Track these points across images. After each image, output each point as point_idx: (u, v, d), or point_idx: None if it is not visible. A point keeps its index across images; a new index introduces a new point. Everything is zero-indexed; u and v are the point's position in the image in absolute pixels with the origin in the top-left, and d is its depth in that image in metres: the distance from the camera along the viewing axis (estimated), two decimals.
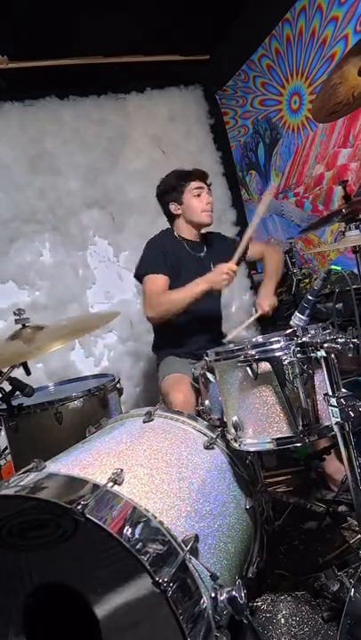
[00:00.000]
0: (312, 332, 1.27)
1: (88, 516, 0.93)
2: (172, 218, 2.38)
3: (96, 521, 0.93)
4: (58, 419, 1.80)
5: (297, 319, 1.33)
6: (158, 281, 2.16)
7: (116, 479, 1.09)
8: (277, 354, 1.27)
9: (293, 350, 1.25)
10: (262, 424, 1.31)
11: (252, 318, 2.16)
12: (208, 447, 1.41)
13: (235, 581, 1.07)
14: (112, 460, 1.22)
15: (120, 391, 2.09)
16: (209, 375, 1.58)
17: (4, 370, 1.60)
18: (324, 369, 1.20)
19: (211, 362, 1.47)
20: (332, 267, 1.35)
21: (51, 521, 0.98)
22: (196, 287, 2.03)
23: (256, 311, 2.19)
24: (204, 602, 0.99)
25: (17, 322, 1.63)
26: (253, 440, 1.34)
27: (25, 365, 1.63)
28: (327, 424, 1.28)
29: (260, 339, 1.58)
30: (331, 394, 1.19)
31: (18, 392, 1.62)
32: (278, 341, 1.29)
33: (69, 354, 3.13)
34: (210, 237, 2.44)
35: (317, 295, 1.34)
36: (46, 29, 2.73)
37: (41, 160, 3.13)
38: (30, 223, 3.11)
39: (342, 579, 1.28)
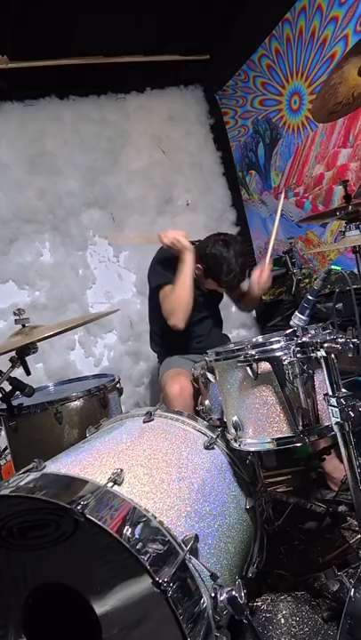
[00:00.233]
0: (312, 331, 1.27)
1: (88, 516, 0.93)
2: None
3: (96, 521, 0.93)
4: (58, 419, 1.80)
5: (297, 319, 1.33)
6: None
7: (116, 479, 1.09)
8: (277, 354, 1.27)
9: (293, 350, 1.25)
10: (262, 424, 1.31)
11: None
12: (208, 447, 1.41)
13: (235, 581, 1.07)
14: (112, 460, 1.22)
15: (120, 391, 2.09)
16: (209, 375, 1.58)
17: (4, 370, 1.60)
18: (324, 369, 1.20)
19: (211, 362, 1.47)
20: (333, 267, 1.35)
21: (51, 521, 0.98)
22: (182, 265, 2.11)
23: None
24: (204, 602, 0.99)
25: (17, 322, 1.64)
26: (253, 440, 1.34)
27: (25, 365, 1.63)
28: (327, 424, 1.28)
29: (260, 339, 1.58)
30: (331, 394, 1.19)
31: (18, 392, 1.62)
32: (278, 341, 1.29)
33: (69, 354, 3.13)
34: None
35: (317, 295, 1.34)
36: (46, 29, 2.73)
37: (41, 160, 3.13)
38: (30, 223, 3.11)
39: (342, 579, 1.28)
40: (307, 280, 2.82)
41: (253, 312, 3.63)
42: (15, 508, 1.01)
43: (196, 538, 1.07)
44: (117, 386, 2.07)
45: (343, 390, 1.19)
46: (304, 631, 1.32)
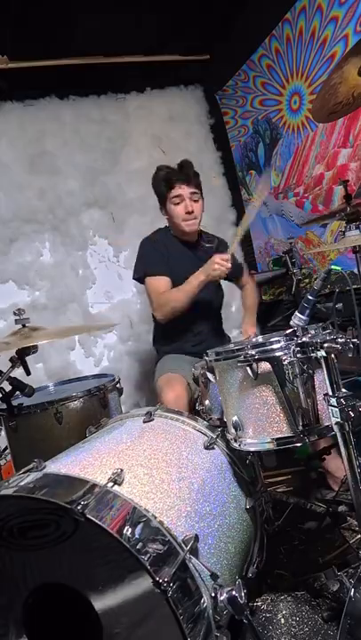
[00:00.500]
0: (312, 331, 1.27)
1: (88, 516, 0.93)
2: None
3: (96, 521, 0.93)
4: (58, 419, 1.80)
5: (297, 319, 1.33)
6: (160, 282, 2.19)
7: (116, 479, 1.09)
8: (277, 354, 1.27)
9: (293, 350, 1.24)
10: (262, 424, 1.31)
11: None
12: (208, 447, 1.41)
13: (235, 581, 1.07)
14: (112, 460, 1.22)
15: (120, 391, 2.09)
16: (209, 375, 1.58)
17: (4, 370, 1.60)
18: (325, 369, 1.20)
19: (211, 362, 1.47)
20: (333, 267, 1.35)
21: (51, 521, 0.98)
22: (194, 281, 2.07)
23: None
24: (204, 602, 0.99)
25: (17, 322, 1.64)
26: (253, 440, 1.34)
27: (25, 365, 1.63)
28: (327, 424, 1.28)
29: (260, 339, 1.58)
30: (331, 394, 1.19)
31: (18, 392, 1.62)
32: (278, 341, 1.28)
33: (69, 354, 3.13)
34: (205, 237, 2.43)
35: (317, 295, 1.34)
36: (46, 29, 2.73)
37: (41, 160, 3.13)
38: (30, 223, 3.11)
39: (342, 579, 1.28)
40: (307, 280, 2.82)
41: None
42: (15, 507, 1.01)
43: (196, 538, 1.07)
44: (117, 386, 2.06)
45: (343, 390, 1.19)
46: (304, 631, 1.32)
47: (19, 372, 1.62)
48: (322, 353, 1.18)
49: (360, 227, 1.48)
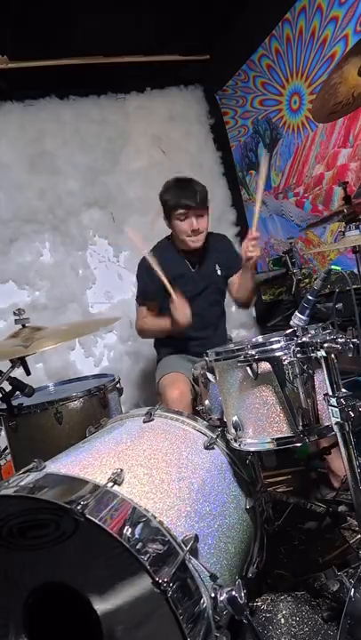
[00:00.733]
0: (312, 331, 1.27)
1: (88, 516, 0.93)
2: None
3: (96, 521, 0.93)
4: (58, 419, 1.80)
5: (297, 319, 1.33)
6: (142, 313, 2.37)
7: (116, 479, 1.09)
8: (277, 354, 1.27)
9: (293, 350, 1.24)
10: (262, 424, 1.31)
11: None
12: (208, 447, 1.41)
13: (235, 581, 1.07)
14: (112, 460, 1.22)
15: (120, 391, 2.09)
16: (209, 375, 1.58)
17: (4, 370, 1.60)
18: (324, 369, 1.20)
19: (211, 362, 1.47)
20: (333, 267, 1.35)
21: (51, 521, 0.98)
22: (165, 325, 2.21)
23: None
24: (204, 602, 0.99)
25: (17, 322, 1.64)
26: (253, 440, 1.34)
27: (25, 365, 1.62)
28: (327, 424, 1.28)
29: (260, 339, 1.58)
30: (331, 394, 1.19)
31: (18, 392, 1.62)
32: (278, 341, 1.28)
33: (69, 354, 3.13)
34: (209, 240, 2.40)
35: (317, 295, 1.34)
36: (46, 29, 2.73)
37: (41, 160, 3.13)
38: (30, 223, 3.11)
39: (342, 579, 1.28)
40: (307, 280, 2.82)
41: (253, 312, 3.63)
42: (15, 508, 1.01)
43: (196, 538, 1.07)
44: (117, 386, 2.07)
45: (343, 390, 1.19)
46: (304, 631, 1.32)
47: (19, 372, 1.62)
48: (322, 353, 1.18)
49: (360, 227, 1.48)
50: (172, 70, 3.45)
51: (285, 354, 1.26)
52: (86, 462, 1.22)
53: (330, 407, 1.18)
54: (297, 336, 1.26)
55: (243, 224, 3.69)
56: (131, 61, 3.22)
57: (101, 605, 0.99)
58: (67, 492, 1.02)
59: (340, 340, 1.17)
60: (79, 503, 0.94)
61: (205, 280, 2.33)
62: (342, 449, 1.18)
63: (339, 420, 1.16)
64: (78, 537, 0.97)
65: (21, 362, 1.60)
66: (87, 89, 3.31)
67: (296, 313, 1.34)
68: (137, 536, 0.96)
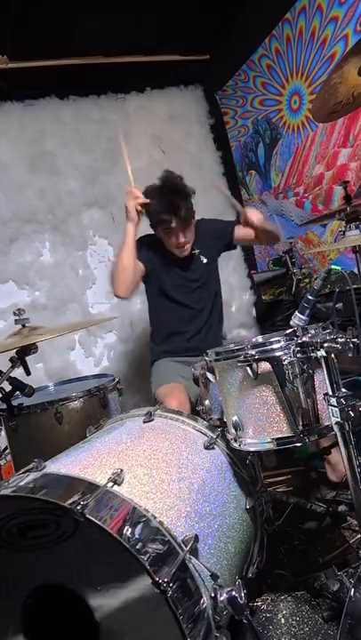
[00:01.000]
0: (312, 331, 1.27)
1: (88, 516, 0.93)
2: None
3: (96, 521, 0.93)
4: (58, 419, 1.80)
5: (297, 319, 1.33)
6: None
7: (116, 479, 1.09)
8: (277, 354, 1.27)
9: (293, 350, 1.24)
10: (262, 424, 1.31)
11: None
12: (208, 447, 1.41)
13: (235, 581, 1.07)
14: (112, 460, 1.22)
15: (120, 391, 2.09)
16: (209, 375, 1.58)
17: (4, 370, 1.60)
18: (325, 369, 1.19)
19: (211, 362, 1.47)
20: (333, 266, 1.35)
21: (51, 521, 0.98)
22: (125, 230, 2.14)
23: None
24: (204, 602, 0.99)
25: (17, 322, 1.64)
26: (253, 440, 1.34)
27: (25, 365, 1.63)
28: (327, 424, 1.28)
29: (260, 339, 1.58)
30: (331, 394, 1.19)
31: (18, 392, 1.62)
32: (278, 341, 1.28)
33: (69, 354, 3.13)
34: (197, 232, 2.33)
35: (317, 295, 1.34)
36: (46, 29, 2.73)
37: (41, 160, 3.13)
38: (30, 223, 3.11)
39: (342, 579, 1.28)
40: (307, 280, 2.82)
41: (253, 312, 3.63)
42: (15, 508, 1.01)
43: (196, 538, 1.06)
44: (117, 386, 2.07)
45: (343, 390, 1.18)
46: (304, 631, 1.32)
47: (19, 372, 1.62)
48: (322, 353, 1.18)
49: (360, 227, 1.48)
50: (172, 70, 3.46)
51: (285, 354, 1.26)
52: (86, 462, 1.22)
53: (330, 407, 1.18)
54: (297, 336, 1.26)
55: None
56: (131, 61, 3.22)
57: (101, 605, 0.99)
58: (67, 491, 1.02)
59: (340, 339, 1.17)
60: (79, 503, 0.94)
61: (194, 274, 2.30)
62: (342, 449, 1.18)
63: (339, 419, 1.15)
64: (78, 537, 0.97)
65: (21, 362, 1.60)
66: (87, 89, 3.32)
67: (296, 313, 1.34)
68: (137, 536, 0.96)
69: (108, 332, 3.24)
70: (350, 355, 1.18)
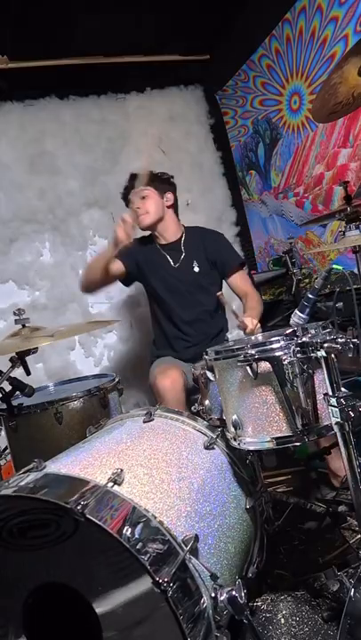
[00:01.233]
0: (312, 331, 1.27)
1: (88, 516, 0.93)
2: None
3: (96, 521, 0.93)
4: (58, 419, 1.80)
5: (297, 317, 1.33)
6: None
7: (116, 479, 1.09)
8: (277, 353, 1.27)
9: (293, 350, 1.24)
10: (262, 423, 1.31)
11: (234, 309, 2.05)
12: (208, 447, 1.41)
13: (235, 581, 1.07)
14: (112, 460, 1.22)
15: (120, 391, 2.08)
16: (209, 374, 1.58)
17: (4, 370, 1.60)
18: (324, 369, 1.19)
19: (210, 361, 1.47)
20: (334, 266, 1.35)
21: (51, 521, 0.98)
22: (106, 249, 2.17)
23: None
24: (204, 602, 0.99)
25: (17, 322, 1.63)
26: (253, 439, 1.33)
27: (25, 365, 1.63)
28: (327, 423, 1.28)
29: (260, 338, 1.58)
30: (331, 394, 1.19)
31: (18, 392, 1.62)
32: (278, 341, 1.28)
33: (69, 354, 3.13)
34: (188, 236, 2.38)
35: (318, 294, 1.34)
36: (46, 29, 2.73)
37: (41, 160, 3.13)
38: (30, 223, 3.11)
39: (342, 579, 1.28)
40: (307, 280, 2.82)
41: None
42: (15, 508, 1.01)
43: (196, 538, 1.06)
44: (117, 386, 2.06)
45: (343, 390, 1.19)
46: (304, 631, 1.32)
47: (19, 372, 1.62)
48: (322, 353, 1.18)
49: (360, 227, 1.48)
50: (172, 70, 3.46)
51: (285, 353, 1.26)
52: (86, 462, 1.22)
53: (330, 407, 1.18)
54: (297, 336, 1.26)
55: (243, 224, 3.69)
56: (131, 61, 3.22)
57: (101, 605, 0.99)
58: (67, 491, 1.02)
59: (340, 339, 1.17)
60: (79, 503, 0.94)
61: (184, 276, 2.31)
62: (342, 449, 1.18)
63: (339, 419, 1.15)
64: (78, 537, 0.97)
65: (21, 362, 1.60)
66: (87, 89, 3.31)
67: (296, 311, 1.34)
68: (137, 536, 0.96)
69: (109, 332, 3.25)
70: (350, 355, 1.18)
